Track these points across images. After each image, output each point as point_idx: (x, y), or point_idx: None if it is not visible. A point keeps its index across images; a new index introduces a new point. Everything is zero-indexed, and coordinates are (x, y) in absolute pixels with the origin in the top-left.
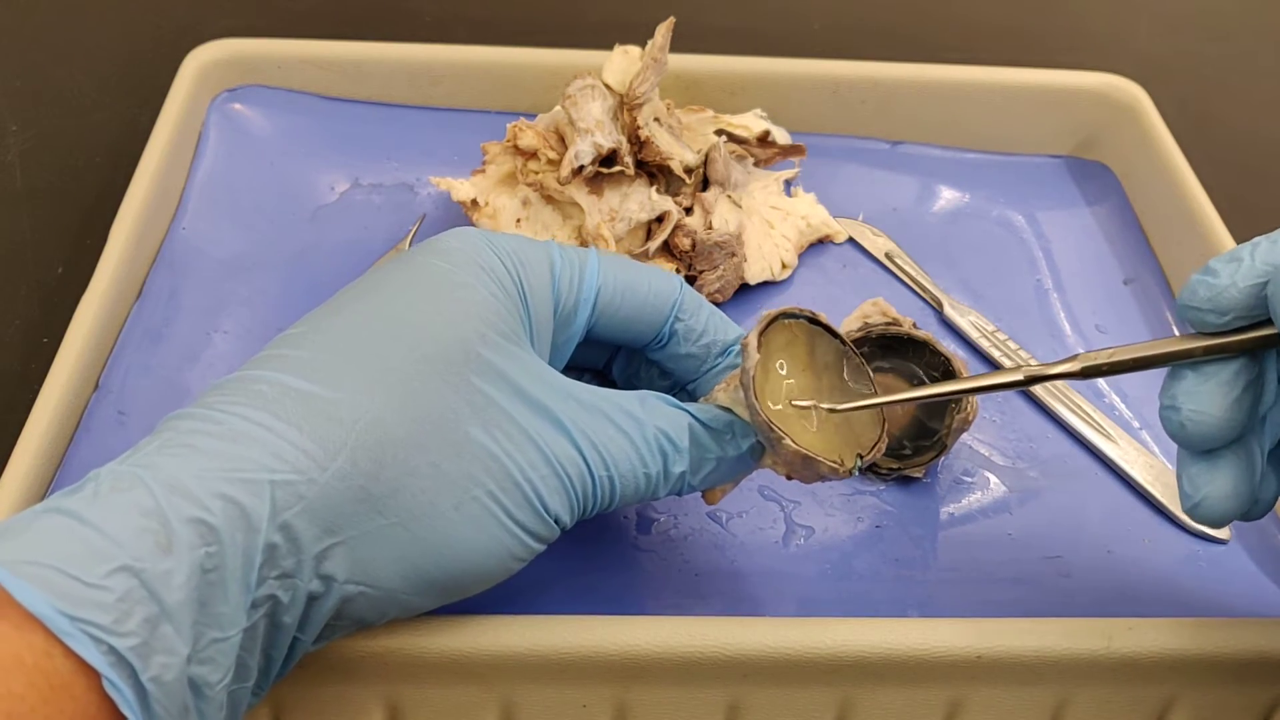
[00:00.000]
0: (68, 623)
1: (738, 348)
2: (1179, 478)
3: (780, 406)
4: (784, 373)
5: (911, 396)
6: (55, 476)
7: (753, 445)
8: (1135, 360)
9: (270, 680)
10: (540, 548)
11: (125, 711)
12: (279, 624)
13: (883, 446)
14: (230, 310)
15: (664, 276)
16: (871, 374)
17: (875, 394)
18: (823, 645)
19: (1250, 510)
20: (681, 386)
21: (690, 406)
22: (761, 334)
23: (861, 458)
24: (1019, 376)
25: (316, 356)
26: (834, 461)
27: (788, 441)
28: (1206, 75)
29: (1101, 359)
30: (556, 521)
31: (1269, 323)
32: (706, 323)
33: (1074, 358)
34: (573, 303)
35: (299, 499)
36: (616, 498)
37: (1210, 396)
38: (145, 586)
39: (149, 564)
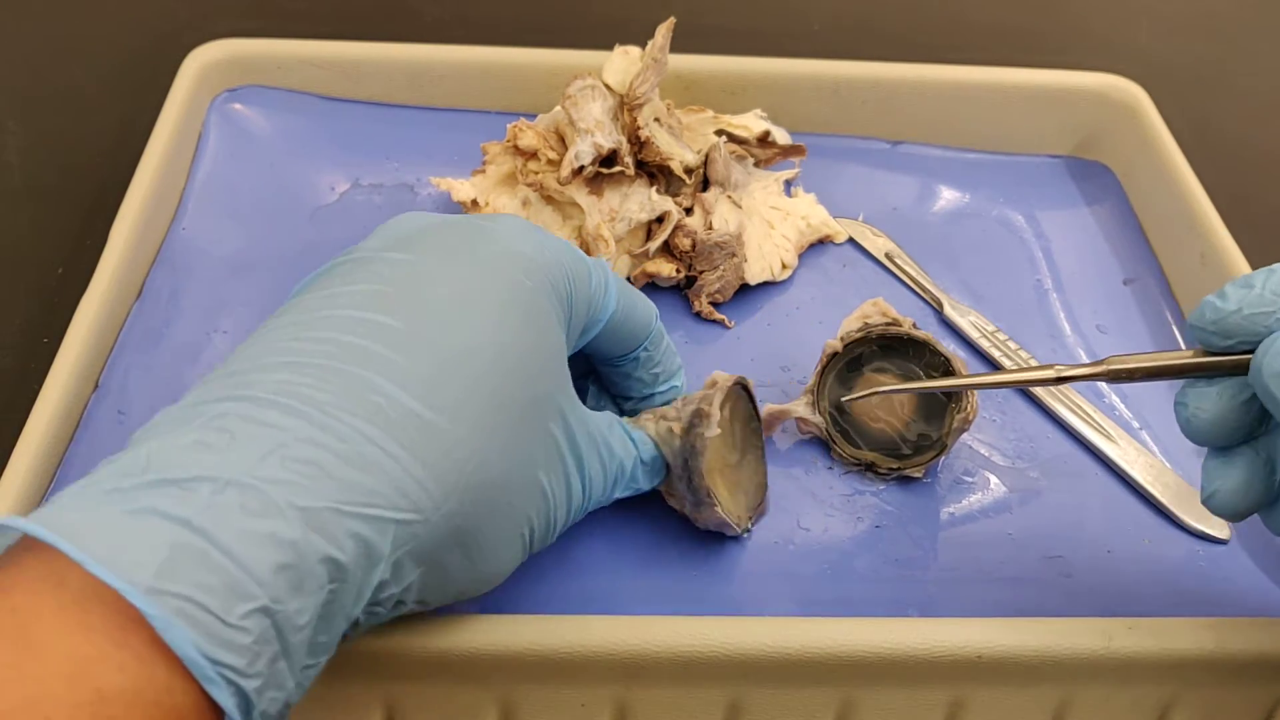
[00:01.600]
0: (209, 666)
1: (679, 383)
2: (1201, 470)
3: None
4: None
5: (948, 384)
6: (55, 476)
7: (663, 478)
8: (1160, 369)
9: None
10: None
11: None
12: (346, 638)
13: (766, 508)
14: (230, 310)
15: (646, 303)
16: (762, 438)
17: (762, 453)
18: (823, 645)
19: (1274, 521)
20: (610, 394)
21: (635, 438)
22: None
23: (752, 520)
24: (1051, 375)
25: (428, 373)
26: (736, 522)
27: (719, 509)
28: (1207, 75)
29: (1131, 363)
30: (550, 542)
31: None
32: (663, 355)
33: (1101, 361)
34: (591, 322)
35: (413, 538)
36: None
37: (1217, 398)
38: (275, 627)
39: (284, 605)
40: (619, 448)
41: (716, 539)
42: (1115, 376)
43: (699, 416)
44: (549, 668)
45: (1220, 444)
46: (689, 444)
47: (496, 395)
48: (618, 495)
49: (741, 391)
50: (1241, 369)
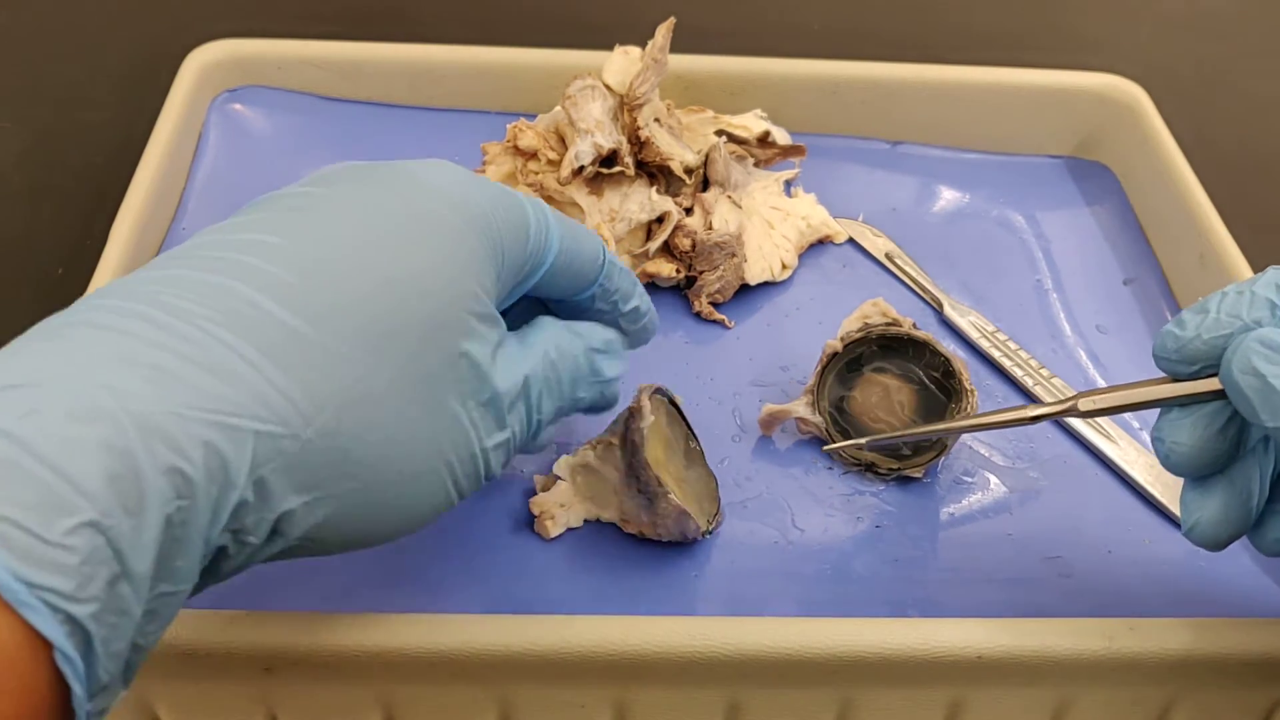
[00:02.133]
0: (25, 590)
1: (639, 302)
2: (1180, 503)
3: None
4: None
5: (926, 430)
6: None
7: (626, 361)
8: (1130, 404)
9: None
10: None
11: (73, 683)
12: (216, 572)
13: (721, 517)
14: None
15: (591, 237)
16: (704, 454)
17: (707, 466)
18: (822, 645)
19: (1265, 544)
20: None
21: (582, 329)
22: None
23: (710, 524)
24: (1026, 415)
25: (301, 284)
26: (695, 515)
27: (673, 497)
28: (1207, 76)
29: (1099, 400)
30: (488, 479)
31: None
32: (619, 280)
33: (1072, 398)
34: (534, 265)
35: (278, 454)
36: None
37: (1191, 430)
38: (111, 545)
39: (117, 520)
40: (568, 345)
41: (712, 538)
42: (1086, 413)
43: (631, 417)
44: (548, 668)
45: (1199, 474)
46: (630, 442)
47: (386, 313)
48: (582, 394)
49: (670, 406)
50: (1210, 393)
